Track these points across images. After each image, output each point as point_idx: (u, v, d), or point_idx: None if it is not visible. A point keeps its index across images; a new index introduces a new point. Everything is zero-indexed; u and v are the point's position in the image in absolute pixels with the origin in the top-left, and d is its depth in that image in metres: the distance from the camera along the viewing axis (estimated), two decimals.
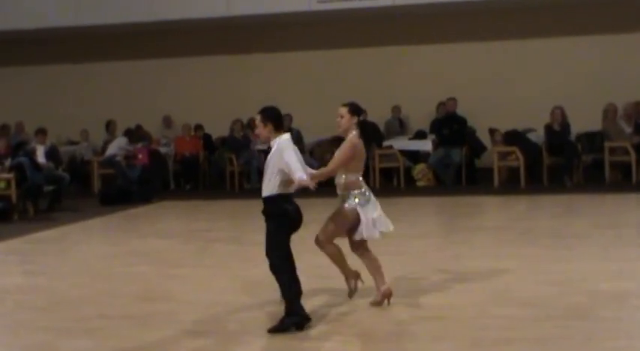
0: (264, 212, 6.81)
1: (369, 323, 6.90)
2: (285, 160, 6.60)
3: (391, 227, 7.53)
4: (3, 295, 8.68)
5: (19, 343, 6.88)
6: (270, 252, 6.76)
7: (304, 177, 6.55)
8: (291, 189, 6.80)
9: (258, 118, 6.86)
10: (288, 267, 6.75)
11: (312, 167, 18.10)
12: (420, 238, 11.29)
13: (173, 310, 7.57)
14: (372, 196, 7.38)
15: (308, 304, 7.41)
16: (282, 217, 6.73)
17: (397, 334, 6.56)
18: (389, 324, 6.85)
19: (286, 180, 6.69)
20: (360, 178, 7.37)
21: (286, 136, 6.80)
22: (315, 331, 6.71)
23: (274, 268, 6.75)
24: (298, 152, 6.82)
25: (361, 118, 7.32)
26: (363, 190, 7.30)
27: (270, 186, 6.74)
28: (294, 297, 6.71)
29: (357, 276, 7.55)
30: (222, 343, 6.55)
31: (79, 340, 6.72)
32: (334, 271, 9.00)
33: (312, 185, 6.62)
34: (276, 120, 6.83)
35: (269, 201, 6.76)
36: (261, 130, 6.84)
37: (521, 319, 6.84)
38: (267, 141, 6.86)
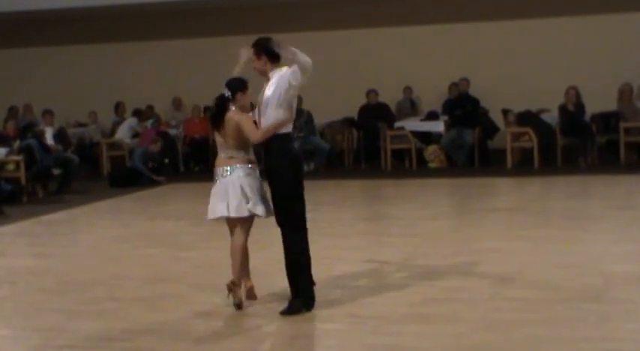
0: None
1: (382, 305, 6.83)
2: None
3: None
4: (14, 277, 8.69)
5: (30, 324, 6.86)
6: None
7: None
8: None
9: (251, 52, 6.75)
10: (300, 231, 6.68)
11: (322, 150, 18.09)
12: (432, 220, 11.22)
13: (184, 293, 7.54)
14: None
15: (318, 286, 7.37)
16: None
17: (410, 316, 6.50)
18: (402, 306, 6.78)
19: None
20: None
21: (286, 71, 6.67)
22: (327, 313, 6.66)
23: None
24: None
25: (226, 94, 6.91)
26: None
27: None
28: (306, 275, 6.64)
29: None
30: (233, 326, 6.50)
31: (90, 322, 6.70)
32: (347, 252, 8.98)
33: None
34: (269, 50, 6.70)
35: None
36: (257, 63, 6.73)
37: (535, 301, 6.78)
38: (264, 74, 6.71)
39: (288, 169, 6.54)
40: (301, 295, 6.60)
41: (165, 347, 6.07)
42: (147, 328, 6.50)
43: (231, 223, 6.89)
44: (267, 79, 6.71)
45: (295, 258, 6.61)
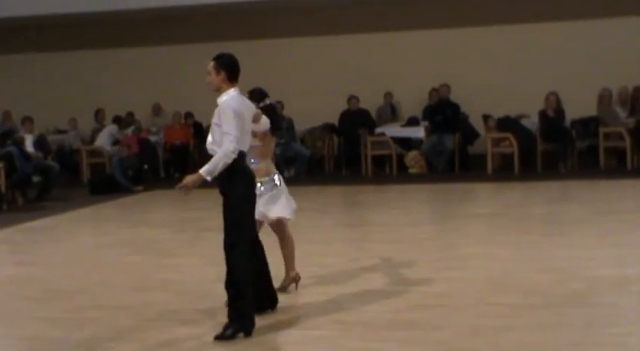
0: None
1: (368, 312, 6.84)
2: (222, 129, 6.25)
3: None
4: None
5: (14, 333, 6.82)
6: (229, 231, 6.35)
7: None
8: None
9: (211, 65, 6.38)
10: (249, 254, 6.38)
11: (303, 156, 18.05)
12: (414, 226, 11.23)
13: (168, 300, 7.50)
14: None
15: (303, 293, 7.38)
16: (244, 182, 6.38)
17: (396, 323, 6.50)
18: (387, 312, 6.79)
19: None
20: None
21: (233, 93, 6.40)
22: (313, 320, 6.66)
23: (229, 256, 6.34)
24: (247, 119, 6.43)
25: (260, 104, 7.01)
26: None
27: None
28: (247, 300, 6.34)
29: None
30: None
31: (75, 331, 6.65)
32: (330, 259, 8.98)
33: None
34: (231, 68, 6.39)
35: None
36: (214, 77, 6.36)
37: (520, 307, 6.80)
38: (219, 91, 6.40)
39: (239, 187, 6.33)
40: (240, 319, 6.27)
41: None
42: (132, 336, 6.47)
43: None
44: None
45: (236, 281, 6.29)
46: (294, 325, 6.56)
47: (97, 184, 16.37)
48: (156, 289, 7.99)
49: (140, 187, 16.26)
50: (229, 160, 6.19)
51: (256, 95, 7.08)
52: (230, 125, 6.20)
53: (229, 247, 6.29)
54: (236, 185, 6.29)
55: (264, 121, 6.94)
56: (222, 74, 6.38)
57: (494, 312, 6.69)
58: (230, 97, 6.35)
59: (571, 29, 17.95)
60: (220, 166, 6.19)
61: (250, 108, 6.61)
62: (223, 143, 6.20)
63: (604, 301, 6.89)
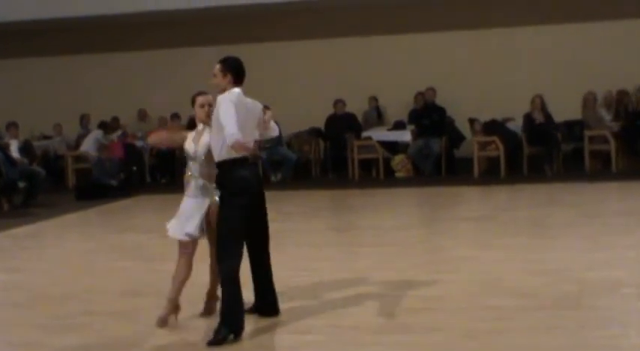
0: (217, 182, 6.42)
1: (361, 316, 6.82)
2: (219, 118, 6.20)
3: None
4: None
5: (5, 339, 6.77)
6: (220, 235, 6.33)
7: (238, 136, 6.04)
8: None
9: (217, 67, 6.46)
10: (238, 258, 6.37)
11: (290, 160, 17.99)
12: (402, 230, 11.23)
13: (160, 305, 7.43)
14: None
15: (295, 297, 7.36)
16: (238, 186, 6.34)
17: (389, 326, 6.50)
18: (381, 316, 6.78)
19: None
20: None
21: (235, 91, 6.40)
22: (306, 324, 6.64)
23: (220, 257, 6.34)
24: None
25: None
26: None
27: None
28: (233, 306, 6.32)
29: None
30: None
31: (66, 337, 6.60)
32: (321, 263, 8.98)
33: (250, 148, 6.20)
34: (237, 71, 6.48)
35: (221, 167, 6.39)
36: (220, 80, 6.43)
37: (513, 309, 6.81)
38: (223, 92, 6.41)
39: (233, 196, 6.31)
40: (227, 323, 6.26)
41: None
42: (125, 341, 6.45)
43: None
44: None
45: (225, 283, 6.31)
46: (287, 330, 6.54)
47: (83, 190, 16.32)
48: (146, 295, 7.94)
49: (114, 181, 16.25)
50: (237, 136, 6.05)
51: None
52: (227, 117, 6.15)
53: (222, 250, 6.30)
54: (228, 193, 6.29)
55: (274, 127, 6.90)
56: (229, 77, 6.44)
57: (487, 315, 6.69)
58: (230, 93, 6.36)
59: (556, 33, 18.03)
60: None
61: (253, 108, 6.58)
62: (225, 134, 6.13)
63: (595, 304, 6.90)
